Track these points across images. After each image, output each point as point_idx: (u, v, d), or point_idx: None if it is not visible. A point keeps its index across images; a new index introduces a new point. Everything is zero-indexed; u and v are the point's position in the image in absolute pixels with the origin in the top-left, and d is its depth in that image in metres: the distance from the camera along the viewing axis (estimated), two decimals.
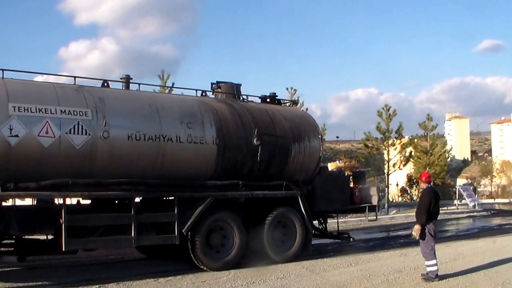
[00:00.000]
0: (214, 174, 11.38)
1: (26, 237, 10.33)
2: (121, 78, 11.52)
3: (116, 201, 10.81)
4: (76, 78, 10.53)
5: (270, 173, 12.18)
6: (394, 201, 54.77)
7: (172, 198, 10.79)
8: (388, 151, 38.22)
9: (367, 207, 13.61)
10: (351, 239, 13.60)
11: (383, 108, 38.07)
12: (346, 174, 14.06)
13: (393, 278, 9.98)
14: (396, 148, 38.74)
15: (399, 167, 39.16)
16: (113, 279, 9.95)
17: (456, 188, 47.48)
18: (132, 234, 10.08)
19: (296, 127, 12.74)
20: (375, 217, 14.09)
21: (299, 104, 31.21)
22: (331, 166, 77.93)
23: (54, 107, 9.59)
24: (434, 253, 9.55)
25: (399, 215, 31.68)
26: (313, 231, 13.69)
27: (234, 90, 12.77)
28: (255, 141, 11.69)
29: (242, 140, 11.68)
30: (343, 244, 15.08)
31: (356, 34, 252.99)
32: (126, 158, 10.25)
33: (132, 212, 10.13)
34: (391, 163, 38.21)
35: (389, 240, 18.85)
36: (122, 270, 11.32)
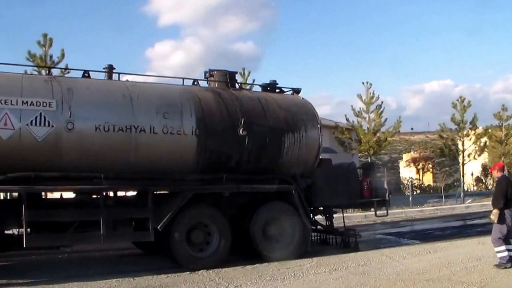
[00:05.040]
0: (197, 167, 10.69)
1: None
2: (103, 68, 11.07)
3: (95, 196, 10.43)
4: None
5: (262, 166, 11.33)
6: (469, 190, 53.08)
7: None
8: (463, 142, 37.82)
9: (375, 202, 12.46)
10: (358, 236, 12.51)
11: (457, 100, 37.71)
12: (355, 167, 12.89)
13: (472, 266, 9.90)
14: (470, 139, 38.55)
15: (473, 157, 39.12)
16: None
17: None
18: (101, 231, 9.61)
19: (292, 116, 11.78)
20: (385, 213, 12.87)
21: (374, 97, 30.95)
22: (406, 157, 75.85)
23: (15, 98, 9.24)
24: (503, 240, 9.43)
25: (475, 204, 31.02)
26: (318, 226, 12.92)
27: (227, 78, 12.00)
28: (241, 131, 10.90)
29: (228, 130, 10.91)
30: (420, 233, 15.89)
31: (432, 24, 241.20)
32: (95, 150, 9.76)
33: (100, 207, 9.66)
34: (465, 153, 37.79)
35: (466, 228, 18.82)
36: None
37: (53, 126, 9.40)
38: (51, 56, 22.74)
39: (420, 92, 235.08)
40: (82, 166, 9.69)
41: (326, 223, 12.89)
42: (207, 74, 12.16)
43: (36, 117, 9.31)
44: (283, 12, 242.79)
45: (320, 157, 12.34)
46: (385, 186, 12.63)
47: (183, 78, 11.57)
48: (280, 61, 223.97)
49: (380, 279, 8.86)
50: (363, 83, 32.23)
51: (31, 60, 22.21)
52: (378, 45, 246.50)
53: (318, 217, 13.01)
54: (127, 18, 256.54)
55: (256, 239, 11.04)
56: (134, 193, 11.21)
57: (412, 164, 70.88)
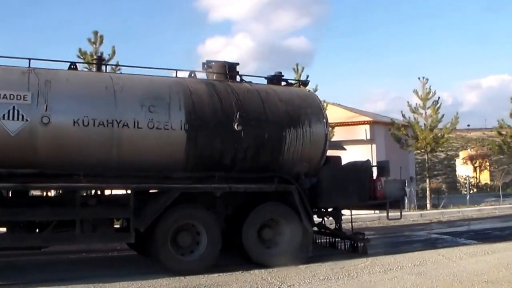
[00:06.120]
0: (186, 165, 9.93)
1: None
2: (93, 60, 10.51)
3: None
4: None
5: (261, 164, 10.46)
6: None
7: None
8: None
9: (388, 203, 11.32)
10: (368, 240, 11.48)
11: None
12: (369, 165, 11.79)
13: None
14: None
15: None
16: (255, 266, 10.05)
17: None
18: (77, 230, 8.99)
19: (294, 110, 10.81)
20: (399, 215, 11.75)
21: (431, 93, 30.13)
22: (462, 154, 73.03)
23: None
24: None
25: None
26: (324, 230, 12.05)
27: (225, 69, 11.16)
28: (236, 126, 10.07)
29: (221, 125, 10.08)
30: (478, 233, 15.88)
31: (487, 18, 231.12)
32: (73, 146, 9.14)
33: (76, 207, 9.04)
34: None
35: None
36: None
37: (27, 120, 8.86)
38: (101, 54, 22.74)
39: (477, 87, 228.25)
40: (60, 162, 9.08)
41: (336, 225, 11.88)
42: (205, 66, 11.37)
43: (9, 111, 8.79)
44: (335, 7, 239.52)
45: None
46: (401, 186, 11.50)
47: (177, 70, 10.85)
48: (332, 56, 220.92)
49: (437, 280, 8.62)
50: (419, 78, 31.09)
51: (82, 57, 22.22)
52: (433, 39, 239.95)
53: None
54: (179, 15, 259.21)
55: (249, 243, 10.20)
56: (122, 192, 10.57)
57: (469, 162, 68.02)
